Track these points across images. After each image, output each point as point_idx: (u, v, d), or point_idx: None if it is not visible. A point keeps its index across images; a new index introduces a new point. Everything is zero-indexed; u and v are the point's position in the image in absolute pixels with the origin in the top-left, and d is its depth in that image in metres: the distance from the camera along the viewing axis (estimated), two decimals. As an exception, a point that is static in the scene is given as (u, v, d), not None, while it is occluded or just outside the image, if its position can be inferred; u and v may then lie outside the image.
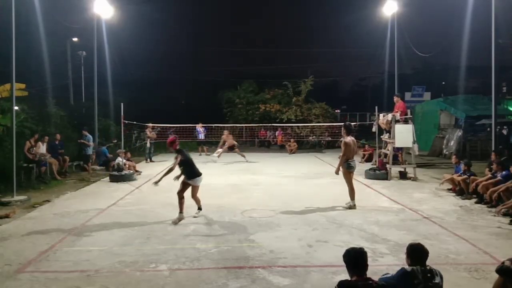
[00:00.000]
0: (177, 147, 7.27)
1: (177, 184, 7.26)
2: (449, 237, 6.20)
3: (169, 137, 7.58)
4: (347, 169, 8.00)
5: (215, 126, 21.44)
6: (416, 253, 3.35)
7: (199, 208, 7.52)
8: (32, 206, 8.47)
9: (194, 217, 7.38)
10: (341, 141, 8.31)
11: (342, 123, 8.93)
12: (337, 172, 8.09)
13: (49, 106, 16.07)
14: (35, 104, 16.51)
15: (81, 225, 6.97)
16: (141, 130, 21.58)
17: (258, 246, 5.78)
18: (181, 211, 7.14)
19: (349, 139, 7.97)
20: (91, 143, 14.36)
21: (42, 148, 12.00)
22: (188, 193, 7.29)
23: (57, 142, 13.01)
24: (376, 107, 14.06)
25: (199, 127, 20.06)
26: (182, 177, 7.31)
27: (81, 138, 14.36)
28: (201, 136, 20.10)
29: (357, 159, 16.58)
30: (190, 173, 7.23)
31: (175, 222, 7.00)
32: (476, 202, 8.48)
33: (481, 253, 5.47)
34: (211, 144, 21.15)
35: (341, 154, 8.01)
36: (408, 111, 13.23)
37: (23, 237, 6.27)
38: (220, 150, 16.85)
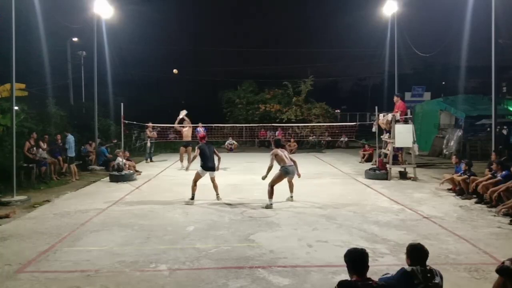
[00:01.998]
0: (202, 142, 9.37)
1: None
2: (449, 237, 6.20)
3: (200, 133, 9.33)
4: (282, 172, 8.49)
5: (215, 126, 21.42)
6: (416, 253, 3.34)
7: (192, 197, 8.63)
8: (32, 206, 8.48)
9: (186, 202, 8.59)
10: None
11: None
12: (263, 178, 8.46)
13: (49, 106, 16.04)
14: (35, 104, 16.47)
15: (81, 225, 6.97)
16: (141, 130, 21.51)
17: (258, 246, 5.78)
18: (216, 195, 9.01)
19: (279, 150, 8.61)
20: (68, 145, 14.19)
21: (43, 147, 12.02)
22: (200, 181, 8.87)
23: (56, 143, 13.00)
24: (376, 107, 14.03)
25: (199, 127, 20.04)
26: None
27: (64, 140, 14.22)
28: None
29: (357, 159, 16.92)
30: (201, 163, 8.95)
31: None
32: (476, 202, 8.48)
33: (481, 253, 5.48)
34: (210, 144, 21.08)
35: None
36: (408, 111, 13.20)
37: (23, 237, 6.27)
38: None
